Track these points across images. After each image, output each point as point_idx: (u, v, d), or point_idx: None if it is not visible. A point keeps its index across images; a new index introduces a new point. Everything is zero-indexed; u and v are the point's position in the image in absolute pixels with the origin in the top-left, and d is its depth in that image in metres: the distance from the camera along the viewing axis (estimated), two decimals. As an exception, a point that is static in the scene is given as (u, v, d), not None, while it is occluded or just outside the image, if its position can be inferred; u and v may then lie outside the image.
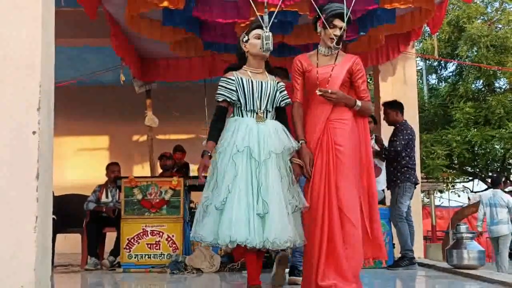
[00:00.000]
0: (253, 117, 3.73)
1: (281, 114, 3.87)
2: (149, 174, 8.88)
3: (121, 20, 6.59)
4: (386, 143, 6.59)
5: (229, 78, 3.76)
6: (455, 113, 12.73)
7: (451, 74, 15.14)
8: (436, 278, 5.52)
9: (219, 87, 3.77)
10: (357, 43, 7.41)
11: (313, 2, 4.46)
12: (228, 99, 3.74)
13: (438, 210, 17.40)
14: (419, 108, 8.70)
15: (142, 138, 10.76)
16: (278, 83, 3.87)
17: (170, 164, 8.01)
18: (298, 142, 3.76)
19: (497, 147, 13.11)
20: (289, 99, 3.88)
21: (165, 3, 5.81)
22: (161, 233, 6.36)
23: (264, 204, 3.48)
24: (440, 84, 15.75)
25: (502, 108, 12.34)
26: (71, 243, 7.95)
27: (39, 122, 3.28)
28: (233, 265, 6.11)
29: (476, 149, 13.09)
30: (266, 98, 3.77)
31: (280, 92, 3.84)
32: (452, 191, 18.01)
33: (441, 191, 16.42)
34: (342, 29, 3.82)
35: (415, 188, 6.42)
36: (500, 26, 13.13)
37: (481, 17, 13.42)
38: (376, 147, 6.51)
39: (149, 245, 6.35)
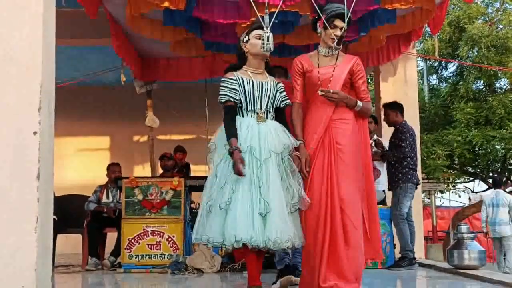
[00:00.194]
0: (254, 117, 3.73)
1: (280, 115, 3.87)
2: (149, 175, 8.88)
3: (122, 20, 6.59)
4: (385, 143, 6.61)
5: (231, 78, 3.76)
6: (455, 114, 12.73)
7: (451, 74, 15.15)
8: (437, 278, 5.51)
9: (221, 87, 3.75)
10: (358, 43, 7.41)
11: (314, 3, 4.45)
12: (232, 99, 3.71)
13: (439, 211, 17.38)
14: (419, 109, 8.70)
15: (142, 138, 10.76)
16: (277, 83, 3.88)
17: (171, 165, 8.00)
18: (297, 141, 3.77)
19: (498, 147, 13.11)
20: (289, 100, 3.88)
21: (166, 3, 5.81)
22: (161, 234, 6.36)
23: (265, 203, 3.48)
24: (441, 84, 15.75)
25: (503, 108, 12.34)
26: (72, 243, 7.94)
27: (39, 123, 3.28)
28: (233, 265, 6.11)
29: (477, 149, 13.09)
30: (267, 98, 3.77)
31: (280, 93, 3.85)
32: (453, 192, 18.00)
33: (442, 192, 16.40)
34: (343, 29, 3.82)
35: (416, 188, 6.42)
36: (500, 26, 13.12)
37: (482, 18, 13.42)
38: (375, 149, 6.51)
39: (149, 246, 6.35)
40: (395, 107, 6.53)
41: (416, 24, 6.97)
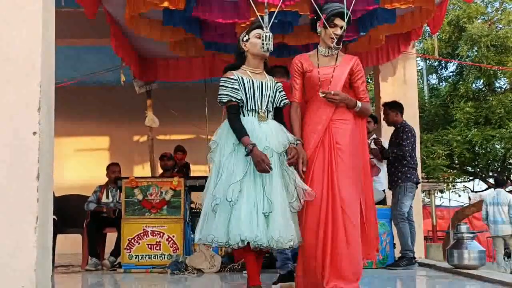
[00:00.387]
0: (255, 116, 3.72)
1: (279, 114, 3.86)
2: (149, 175, 8.88)
3: (121, 20, 6.59)
4: (385, 143, 6.60)
5: (231, 78, 3.74)
6: (455, 113, 12.73)
7: (451, 74, 15.14)
8: (437, 278, 5.52)
9: (221, 87, 3.73)
10: (357, 43, 7.41)
11: (313, 2, 4.45)
12: (234, 99, 3.69)
13: (439, 210, 17.40)
14: (419, 108, 8.70)
15: (142, 138, 10.76)
16: (276, 83, 3.88)
17: (170, 165, 8.00)
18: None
19: (498, 146, 13.11)
20: (287, 100, 3.88)
21: (166, 3, 5.81)
22: (161, 234, 6.36)
23: (269, 202, 3.48)
24: (441, 84, 15.75)
25: (503, 108, 12.34)
26: (72, 243, 7.93)
27: (39, 123, 3.29)
28: (233, 265, 6.11)
29: (476, 149, 13.10)
30: (267, 98, 3.76)
31: (279, 92, 3.85)
32: (452, 191, 18.03)
33: (441, 191, 16.42)
34: (343, 29, 3.82)
35: (416, 188, 6.42)
36: (500, 26, 13.13)
37: (482, 17, 13.42)
38: (374, 148, 6.51)
39: (149, 246, 6.35)
40: (395, 107, 6.53)
41: (415, 23, 6.97)
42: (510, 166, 14.19)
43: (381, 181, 6.70)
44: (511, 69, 12.12)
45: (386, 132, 7.16)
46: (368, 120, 6.09)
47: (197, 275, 5.80)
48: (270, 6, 5.04)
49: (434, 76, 16.13)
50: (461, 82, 13.54)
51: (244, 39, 3.83)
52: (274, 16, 4.22)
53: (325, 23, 3.80)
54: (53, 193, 3.62)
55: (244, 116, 3.72)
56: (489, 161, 13.59)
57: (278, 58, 7.30)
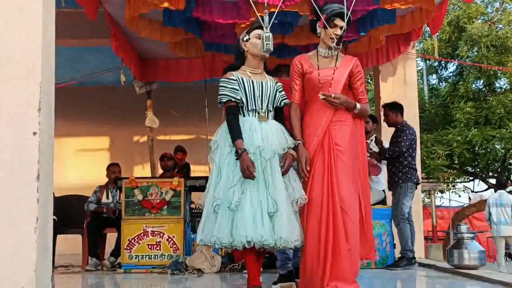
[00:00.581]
0: (256, 116, 3.72)
1: (279, 114, 3.87)
2: (149, 175, 8.88)
3: (121, 20, 6.59)
4: (386, 143, 6.61)
5: (230, 78, 3.75)
6: (455, 113, 12.73)
7: (451, 74, 15.15)
8: (437, 278, 5.51)
9: (221, 88, 3.73)
10: (357, 43, 7.41)
11: (313, 3, 4.45)
12: (233, 99, 3.69)
13: (439, 210, 17.40)
14: (419, 108, 8.70)
15: (142, 138, 10.76)
16: (276, 83, 3.88)
17: (171, 165, 8.01)
18: (295, 142, 3.77)
19: (498, 147, 13.11)
20: (288, 99, 3.88)
21: (166, 4, 5.82)
22: (161, 234, 6.36)
23: (273, 202, 3.48)
24: (441, 84, 15.75)
25: (503, 108, 12.34)
26: (72, 243, 7.94)
27: (39, 123, 3.28)
28: (233, 265, 6.11)
29: (476, 149, 13.09)
30: (267, 98, 3.77)
31: (279, 92, 3.85)
32: (452, 191, 18.03)
33: (441, 191, 16.42)
34: (343, 29, 3.82)
35: (416, 188, 6.43)
36: (500, 26, 13.12)
37: (482, 17, 13.41)
38: (375, 149, 6.51)
39: (149, 246, 6.35)
40: (395, 108, 6.53)
41: (415, 24, 6.97)
42: (510, 166, 14.18)
43: (381, 181, 6.70)
44: (511, 70, 12.11)
45: (386, 133, 7.16)
46: (366, 120, 6.10)
47: (197, 276, 5.80)
48: (270, 6, 5.05)
49: (434, 76, 16.14)
50: (461, 82, 13.54)
51: (244, 39, 3.84)
52: (274, 17, 4.23)
53: (325, 23, 3.80)
54: (53, 193, 3.62)
55: (244, 116, 3.72)
56: (489, 161, 13.59)
57: (278, 59, 7.31)
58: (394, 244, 6.42)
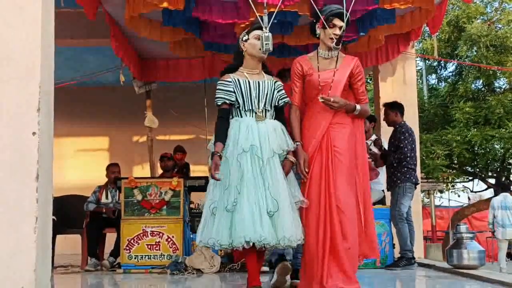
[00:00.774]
0: (253, 116, 3.74)
1: (280, 113, 3.87)
2: (149, 175, 8.88)
3: (121, 20, 6.59)
4: (385, 143, 6.61)
5: (226, 80, 3.78)
6: (455, 113, 12.72)
7: (450, 74, 15.13)
8: (436, 278, 5.52)
9: (217, 90, 3.78)
10: (357, 43, 7.41)
11: (313, 3, 4.46)
12: (228, 101, 3.73)
13: (438, 210, 17.42)
14: (419, 108, 8.70)
15: (142, 138, 10.76)
16: (275, 82, 3.88)
17: (171, 165, 8.01)
18: (294, 143, 3.78)
19: (497, 147, 13.10)
20: (288, 98, 3.89)
21: (165, 4, 5.82)
22: (161, 234, 6.36)
23: (273, 202, 3.48)
24: (440, 84, 15.75)
25: (502, 108, 12.33)
26: (71, 243, 7.94)
27: (39, 123, 3.28)
28: (233, 265, 6.11)
29: (476, 149, 13.08)
30: (264, 97, 3.77)
31: (278, 91, 3.85)
32: (452, 191, 18.03)
33: (441, 191, 16.42)
34: (342, 29, 3.82)
35: (415, 188, 6.43)
36: (499, 26, 13.12)
37: (481, 17, 13.40)
38: (375, 150, 6.51)
39: (149, 246, 6.35)
40: (395, 107, 6.53)
41: (415, 24, 6.98)
42: (510, 166, 14.18)
43: (380, 181, 6.70)
44: (511, 69, 12.11)
45: (386, 133, 7.16)
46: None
47: (197, 276, 5.80)
48: (269, 6, 5.05)
49: (434, 76, 16.13)
50: (460, 82, 13.53)
51: (244, 39, 3.84)
52: (273, 17, 4.22)
53: (324, 23, 3.80)
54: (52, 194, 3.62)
55: (241, 116, 3.74)
56: (489, 161, 13.58)
57: (278, 59, 7.32)
58: (394, 244, 6.43)
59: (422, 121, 12.20)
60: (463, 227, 5.89)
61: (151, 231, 6.36)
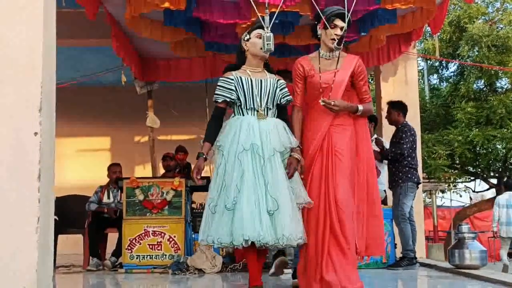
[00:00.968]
0: (254, 115, 3.74)
1: (282, 111, 3.88)
2: (150, 175, 8.88)
3: (122, 20, 6.59)
4: (386, 143, 6.60)
5: (228, 78, 3.78)
6: (456, 113, 12.71)
7: (452, 74, 15.11)
8: (438, 278, 5.51)
9: (217, 87, 3.78)
10: (358, 43, 7.41)
11: (314, 3, 4.46)
12: (228, 99, 3.74)
13: (440, 210, 17.40)
14: (420, 108, 8.70)
15: (143, 139, 10.76)
16: (278, 80, 3.88)
17: (173, 165, 8.02)
18: None
19: (499, 147, 13.08)
20: (290, 96, 3.89)
21: (166, 4, 5.82)
22: (162, 234, 6.36)
23: (273, 201, 3.48)
24: (442, 84, 15.72)
25: (504, 108, 12.31)
26: (73, 243, 7.95)
27: (40, 123, 3.29)
28: (234, 265, 6.11)
29: (477, 149, 13.07)
30: (266, 95, 3.77)
31: (281, 90, 3.85)
32: (454, 191, 17.99)
33: (442, 191, 16.40)
34: (343, 29, 3.82)
35: (417, 188, 6.42)
36: (501, 26, 13.10)
37: (482, 17, 13.39)
38: (376, 149, 6.50)
39: (150, 246, 6.35)
40: (399, 107, 6.54)
41: (416, 24, 6.97)
42: (511, 166, 14.16)
43: (382, 181, 6.69)
44: (512, 69, 12.10)
45: (387, 132, 7.16)
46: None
47: (198, 276, 5.80)
48: (270, 6, 5.05)
49: (435, 76, 16.10)
50: (462, 82, 13.51)
51: (245, 38, 3.85)
52: (275, 17, 4.23)
53: (326, 23, 3.80)
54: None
55: (243, 115, 3.75)
56: (490, 161, 13.56)
57: (279, 58, 7.32)
58: (395, 244, 6.42)
59: (424, 121, 12.19)
60: (465, 227, 5.89)
61: (152, 231, 6.36)
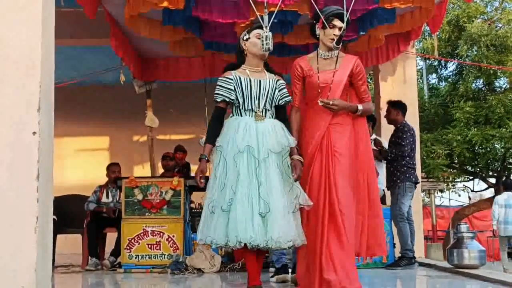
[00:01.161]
0: (252, 116, 3.73)
1: (281, 112, 3.86)
2: (149, 175, 8.88)
3: (121, 20, 6.59)
4: (385, 143, 6.60)
5: (227, 77, 3.77)
6: (455, 113, 12.72)
7: (451, 73, 15.12)
8: (437, 277, 5.51)
9: (217, 87, 3.77)
10: (357, 42, 7.41)
11: (313, 2, 4.46)
12: (227, 99, 3.73)
13: (439, 210, 17.40)
14: (419, 108, 8.70)
15: (142, 138, 10.76)
16: (278, 81, 3.86)
17: (172, 165, 8.02)
18: None
19: (498, 146, 13.10)
20: (290, 97, 3.88)
21: (165, 3, 5.81)
22: (161, 234, 6.36)
23: (265, 203, 3.48)
24: (440, 83, 15.73)
25: (502, 107, 12.32)
26: (72, 243, 7.94)
27: (39, 123, 3.29)
28: (233, 265, 6.11)
29: (476, 148, 13.08)
30: (265, 96, 3.76)
31: (280, 91, 3.84)
32: (452, 191, 17.99)
33: (441, 191, 16.40)
34: (342, 29, 3.82)
35: (415, 187, 6.42)
36: (500, 25, 13.11)
37: (481, 17, 13.39)
38: (375, 148, 6.51)
39: (149, 246, 6.35)
40: (399, 107, 6.54)
41: (415, 23, 6.97)
42: (510, 166, 14.17)
43: (381, 180, 6.69)
44: (511, 69, 12.10)
45: (386, 132, 7.16)
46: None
47: (197, 275, 5.80)
48: (269, 5, 5.04)
49: (434, 75, 16.11)
50: (461, 82, 13.52)
51: (245, 38, 3.84)
52: (274, 16, 4.22)
53: (325, 22, 3.80)
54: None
55: (241, 115, 3.74)
56: (489, 161, 13.57)
57: (278, 58, 7.32)
58: (394, 244, 6.42)
59: (423, 120, 12.19)
60: (463, 227, 5.89)
61: (151, 230, 6.36)
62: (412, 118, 7.30)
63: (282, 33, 6.76)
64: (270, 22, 3.85)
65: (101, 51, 8.45)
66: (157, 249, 6.34)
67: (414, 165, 6.37)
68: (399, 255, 6.25)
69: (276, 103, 3.82)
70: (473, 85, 13.49)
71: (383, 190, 6.75)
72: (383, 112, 6.95)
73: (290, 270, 4.82)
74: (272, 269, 5.34)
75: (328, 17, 3.81)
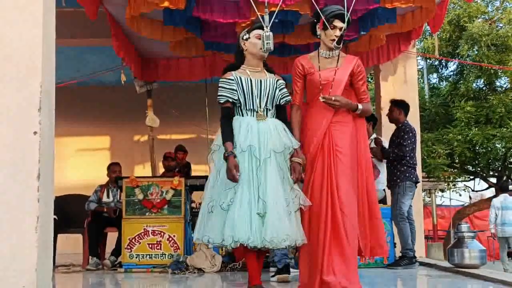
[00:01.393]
0: (253, 116, 3.73)
1: (281, 112, 3.87)
2: (150, 174, 8.89)
3: (122, 20, 6.58)
4: (385, 142, 6.60)
5: (228, 78, 3.77)
6: (456, 112, 12.71)
7: (452, 73, 15.10)
8: (438, 277, 5.52)
9: (219, 88, 3.76)
10: (358, 42, 7.41)
11: (314, 2, 4.46)
12: (231, 100, 3.72)
13: (439, 209, 17.41)
14: (420, 108, 8.69)
15: (143, 138, 10.77)
16: (277, 80, 3.87)
17: (173, 165, 8.02)
18: None
19: (498, 146, 13.09)
20: (290, 97, 3.88)
21: (166, 3, 5.81)
22: (162, 233, 6.36)
23: (263, 203, 3.48)
24: (441, 83, 15.71)
25: (503, 107, 12.32)
26: (72, 243, 7.95)
27: (40, 123, 3.29)
28: (234, 265, 6.12)
29: (477, 148, 13.07)
30: (266, 96, 3.76)
31: (280, 90, 3.84)
32: (453, 190, 18.00)
33: (442, 190, 16.41)
34: (343, 30, 3.83)
35: (415, 187, 6.42)
36: (501, 25, 13.10)
37: (482, 16, 13.38)
38: (374, 147, 6.50)
39: (150, 245, 6.35)
40: (402, 106, 6.55)
41: (416, 23, 6.97)
42: (511, 165, 14.17)
43: (381, 180, 6.69)
44: (512, 68, 12.10)
45: (387, 132, 7.16)
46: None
47: (198, 275, 5.81)
48: (270, 5, 5.05)
49: (435, 75, 16.09)
50: (461, 81, 13.51)
51: (244, 37, 3.84)
52: (274, 16, 4.23)
53: (325, 23, 3.81)
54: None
55: (242, 115, 3.74)
56: (490, 161, 13.57)
57: (279, 58, 7.32)
58: (395, 243, 6.42)
59: (423, 120, 12.19)
60: (464, 226, 5.89)
61: (152, 230, 6.37)
62: (413, 118, 7.30)
63: (283, 33, 6.76)
64: (271, 22, 3.85)
65: (102, 51, 8.46)
66: (158, 249, 6.34)
67: (414, 164, 6.37)
68: (400, 254, 6.25)
69: (277, 103, 3.82)
70: (474, 84, 13.47)
71: (384, 189, 6.75)
72: (384, 112, 6.95)
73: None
74: (272, 269, 5.35)
75: (329, 18, 3.81)
